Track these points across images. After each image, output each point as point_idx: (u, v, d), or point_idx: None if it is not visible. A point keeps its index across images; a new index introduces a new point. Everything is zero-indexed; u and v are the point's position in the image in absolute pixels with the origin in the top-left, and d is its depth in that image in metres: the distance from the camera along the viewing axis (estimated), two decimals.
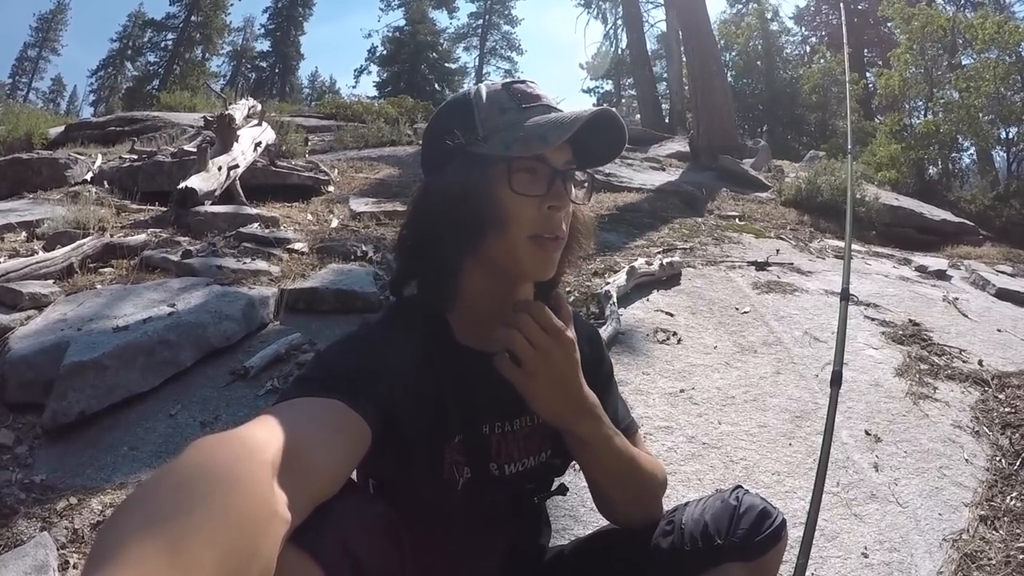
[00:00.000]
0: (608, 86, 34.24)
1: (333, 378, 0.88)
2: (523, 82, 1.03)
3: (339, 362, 0.92)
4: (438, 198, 1.00)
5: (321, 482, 0.72)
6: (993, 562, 2.00)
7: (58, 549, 1.78)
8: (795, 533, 1.68)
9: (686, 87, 15.90)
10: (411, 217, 1.07)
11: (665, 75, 22.96)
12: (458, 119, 1.01)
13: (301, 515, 0.66)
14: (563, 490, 1.19)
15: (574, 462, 1.22)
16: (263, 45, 41.69)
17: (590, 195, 1.09)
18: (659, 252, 4.95)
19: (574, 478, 1.99)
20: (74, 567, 1.75)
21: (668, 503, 1.20)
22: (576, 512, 2.04)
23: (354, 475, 0.97)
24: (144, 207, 5.28)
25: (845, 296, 1.68)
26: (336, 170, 7.40)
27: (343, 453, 0.78)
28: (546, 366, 0.96)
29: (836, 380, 1.47)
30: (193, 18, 36.69)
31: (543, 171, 0.97)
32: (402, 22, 37.83)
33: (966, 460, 2.56)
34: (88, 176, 6.34)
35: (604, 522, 1.26)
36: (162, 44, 37.36)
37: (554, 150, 0.96)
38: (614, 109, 1.01)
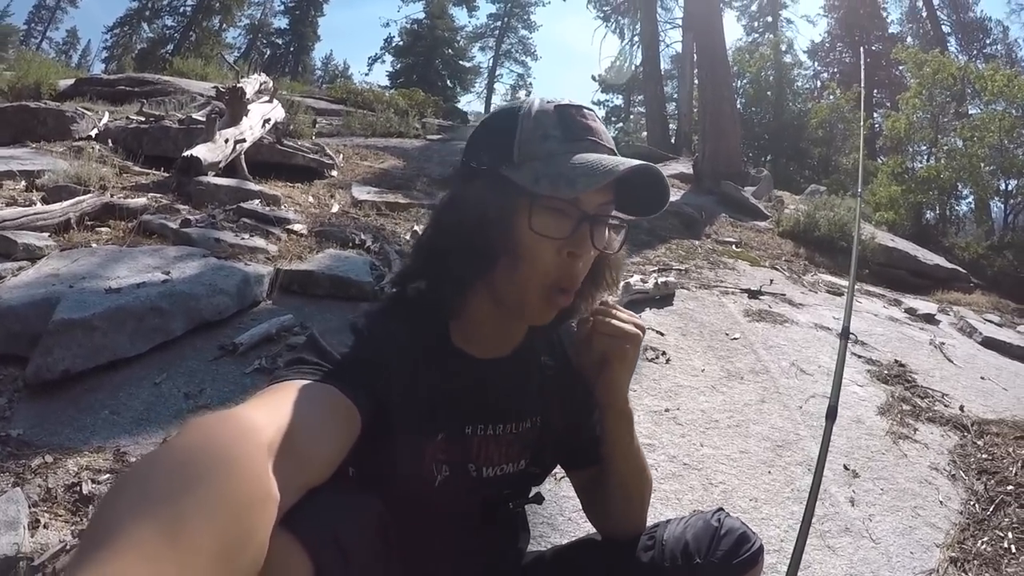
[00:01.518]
0: (619, 100, 34.36)
1: (330, 364, 0.88)
2: (579, 108, 0.97)
3: (337, 348, 0.92)
4: (456, 214, 0.97)
5: (315, 467, 0.72)
6: None
7: (29, 507, 1.76)
8: (769, 560, 1.69)
9: (695, 109, 15.95)
10: (432, 224, 1.04)
11: (675, 95, 23.09)
12: (499, 134, 0.96)
13: (293, 498, 0.67)
14: (539, 499, 1.20)
15: (555, 471, 1.23)
16: (281, 22, 41.52)
17: (623, 244, 1.03)
18: (654, 271, 4.97)
19: (553, 487, 2.01)
20: (44, 527, 1.73)
21: (649, 520, 1.21)
22: (554, 521, 2.05)
23: None
24: (147, 170, 5.24)
25: (845, 335, 1.69)
26: (341, 155, 7.39)
27: (337, 439, 0.78)
28: (634, 350, 1.05)
29: (831, 414, 1.48)
30: None
31: (572, 213, 0.92)
32: (421, 15, 37.76)
33: (941, 502, 2.58)
34: (93, 132, 6.29)
35: (581, 532, 1.27)
36: (181, 9, 37.05)
37: (591, 192, 0.91)
38: (658, 167, 0.94)
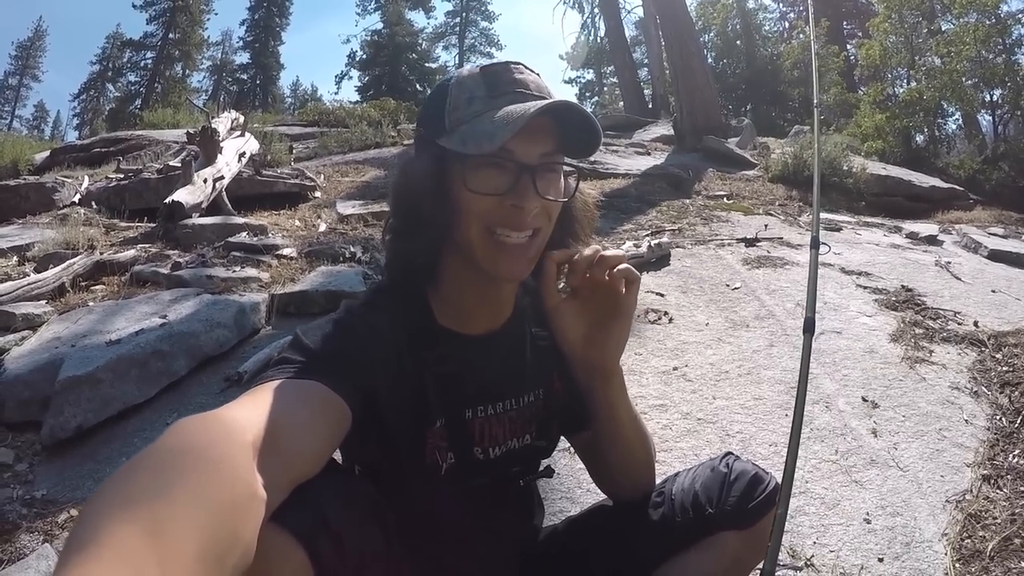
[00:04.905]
0: (590, 75, 34.27)
1: (313, 360, 0.87)
2: (505, 64, 0.98)
3: (319, 344, 0.91)
4: (401, 191, 1.00)
5: (301, 463, 0.72)
6: (999, 521, 1.98)
7: None
8: (793, 503, 1.68)
9: (667, 71, 15.85)
10: (390, 206, 1.05)
11: (646, 60, 22.92)
12: (433, 107, 0.98)
13: (281, 496, 0.66)
14: (549, 472, 1.19)
15: (564, 444, 1.23)
16: (242, 57, 41.72)
17: (574, 188, 1.02)
18: (647, 235, 4.95)
19: (569, 461, 2.01)
20: None
21: (662, 478, 1.20)
22: (572, 494, 2.04)
23: (339, 459, 0.97)
24: (132, 224, 5.26)
25: (815, 244, 1.68)
26: (322, 175, 7.40)
27: (323, 434, 0.78)
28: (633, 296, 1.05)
29: (809, 327, 1.45)
30: (171, 35, 36.59)
31: (509, 167, 0.92)
32: (379, 25, 37.89)
33: (966, 421, 2.55)
34: (76, 198, 6.31)
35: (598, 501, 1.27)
36: (142, 63, 37.37)
37: (525, 142, 0.91)
38: (573, 99, 0.97)
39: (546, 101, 0.91)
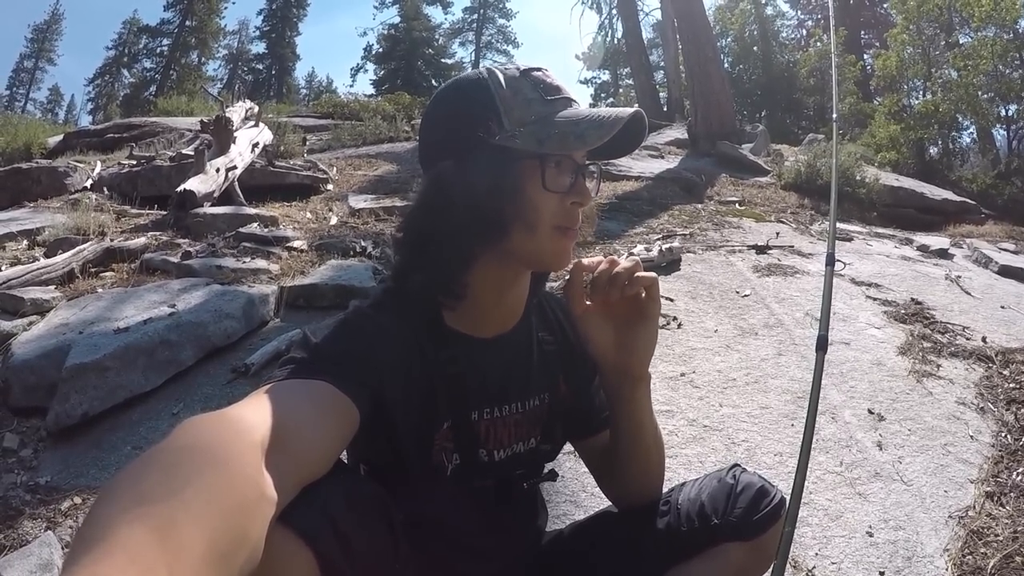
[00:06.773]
0: (605, 76, 34.18)
1: (321, 360, 0.87)
2: (540, 70, 0.99)
3: (327, 345, 0.91)
4: (460, 192, 0.95)
5: (309, 463, 0.71)
6: (1000, 538, 1.97)
7: (62, 548, 1.79)
8: (800, 513, 1.66)
9: (683, 74, 15.80)
10: (423, 209, 1.01)
11: (662, 63, 22.88)
12: (476, 107, 0.95)
13: (289, 496, 0.66)
14: (552, 476, 1.18)
15: (568, 447, 1.23)
16: (258, 47, 41.98)
17: (598, 187, 1.08)
18: (658, 239, 4.94)
19: (573, 464, 2.01)
20: None
21: (667, 486, 1.20)
22: (577, 498, 2.04)
23: (345, 459, 0.97)
24: (144, 211, 5.30)
25: (831, 262, 1.68)
26: (335, 168, 7.41)
27: (331, 434, 0.77)
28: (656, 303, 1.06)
29: (822, 345, 1.46)
30: (188, 23, 36.79)
31: (568, 166, 0.96)
32: (397, 19, 38.02)
33: (971, 437, 2.53)
34: (88, 183, 6.36)
35: (604, 507, 1.27)
36: (158, 50, 37.59)
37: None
38: (641, 110, 1.00)
39: (632, 109, 0.96)
